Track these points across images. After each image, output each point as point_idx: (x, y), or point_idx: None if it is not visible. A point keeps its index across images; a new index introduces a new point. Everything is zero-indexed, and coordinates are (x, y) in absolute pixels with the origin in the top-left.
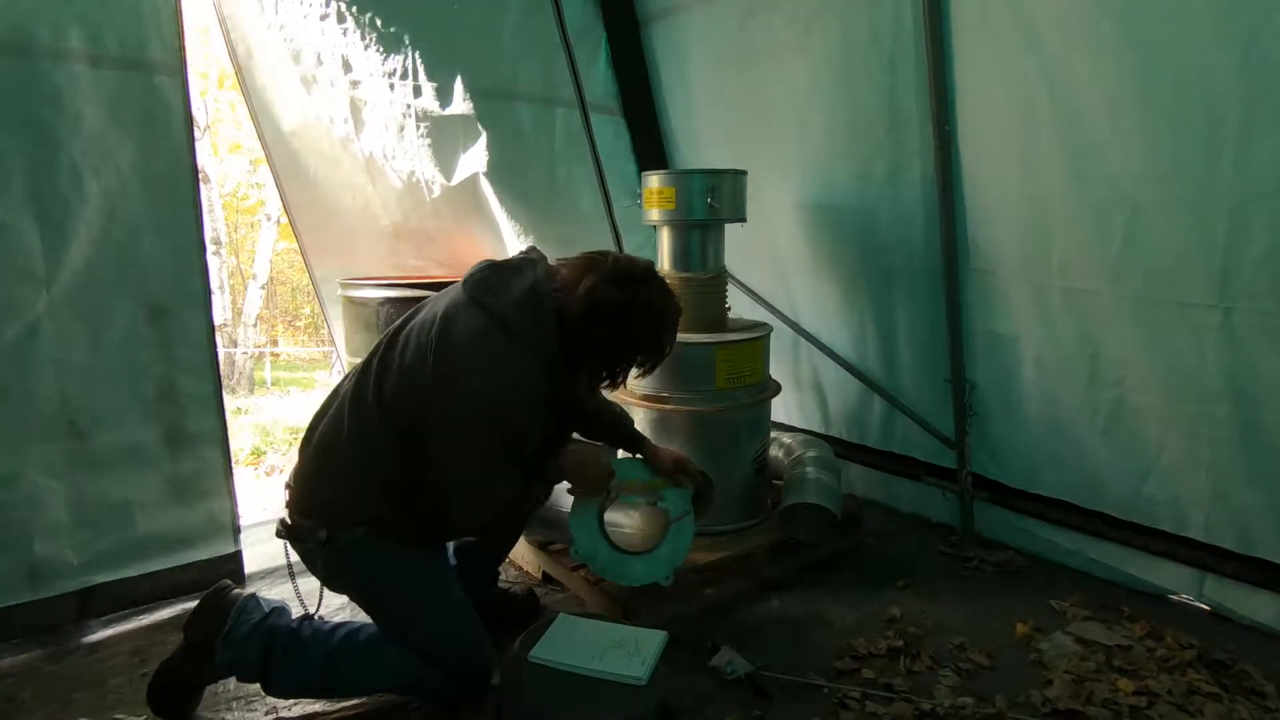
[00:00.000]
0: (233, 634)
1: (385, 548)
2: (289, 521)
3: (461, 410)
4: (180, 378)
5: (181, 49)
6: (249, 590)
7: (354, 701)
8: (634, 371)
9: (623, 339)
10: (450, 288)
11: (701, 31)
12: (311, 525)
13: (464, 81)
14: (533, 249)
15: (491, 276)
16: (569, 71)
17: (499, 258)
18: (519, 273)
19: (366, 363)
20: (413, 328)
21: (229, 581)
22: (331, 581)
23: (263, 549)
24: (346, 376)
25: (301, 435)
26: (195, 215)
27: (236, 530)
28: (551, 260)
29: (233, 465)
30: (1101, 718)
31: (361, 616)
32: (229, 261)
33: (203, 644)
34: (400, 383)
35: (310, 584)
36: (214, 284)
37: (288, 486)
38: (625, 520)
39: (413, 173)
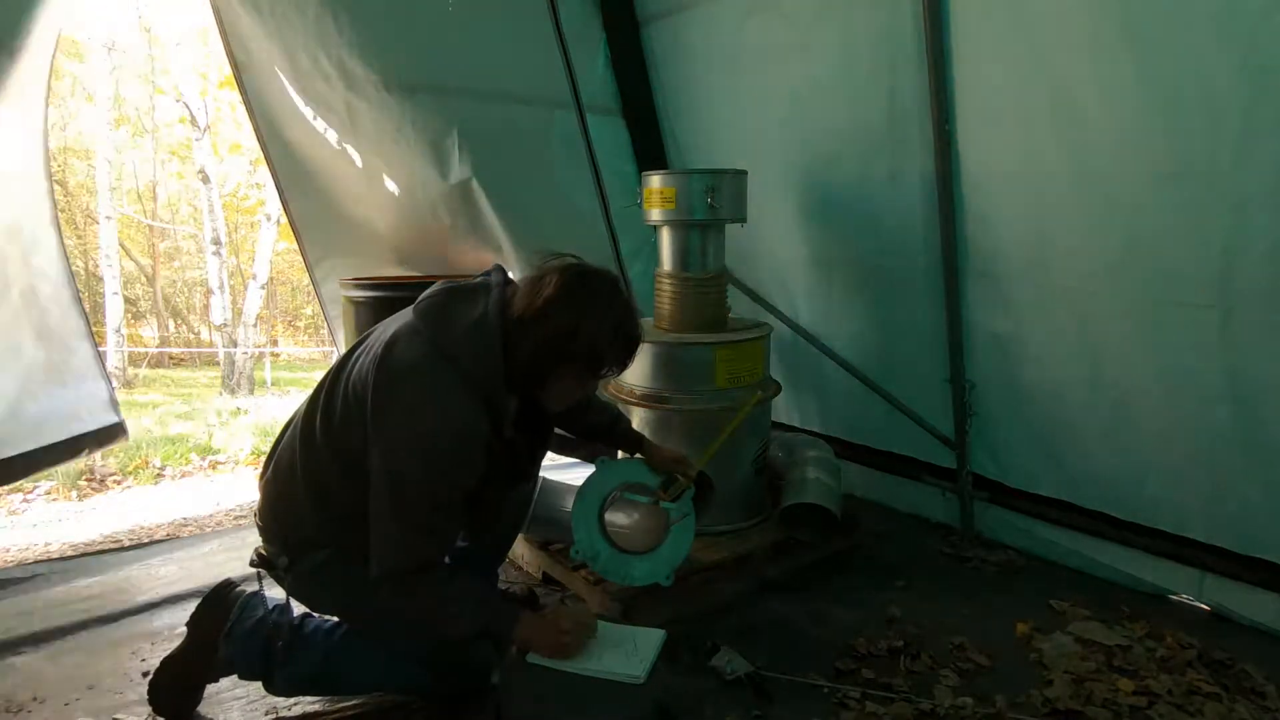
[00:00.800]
0: (235, 630)
1: (349, 565)
2: (262, 552)
3: (390, 451)
4: (39, 284)
5: None
6: (253, 588)
7: (354, 701)
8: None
9: (571, 352)
10: (405, 309)
11: (702, 31)
12: (275, 553)
13: (461, 83)
14: (497, 268)
15: (443, 302)
16: (565, 73)
17: (488, 265)
18: (471, 300)
19: (318, 388)
20: (362, 350)
21: (232, 579)
22: (309, 604)
23: None
24: (303, 402)
25: (262, 463)
26: (42, 144)
27: (115, 404)
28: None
29: (103, 354)
30: (1101, 718)
31: None
32: (229, 261)
33: (205, 640)
34: (345, 411)
35: None
36: (214, 284)
37: (255, 515)
38: (625, 520)
39: (411, 174)
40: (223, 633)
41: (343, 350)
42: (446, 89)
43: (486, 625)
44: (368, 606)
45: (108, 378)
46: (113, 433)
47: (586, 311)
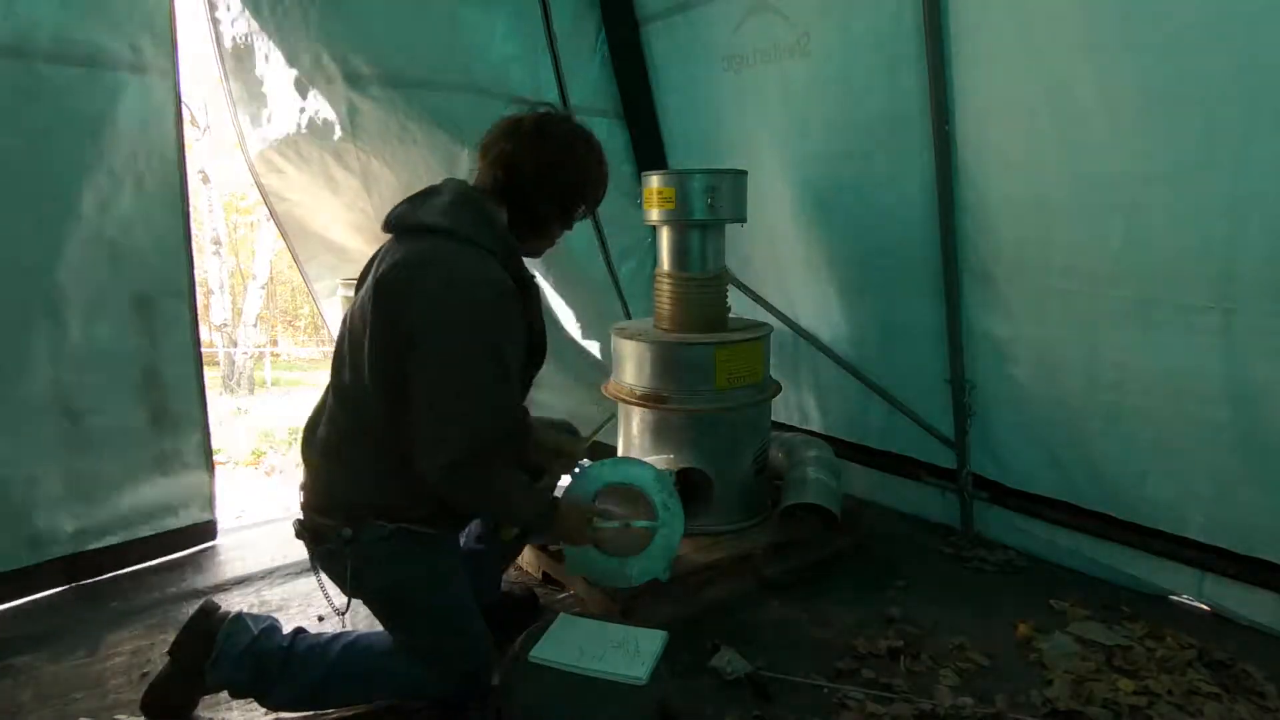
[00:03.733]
0: (222, 659)
1: (410, 544)
2: (308, 522)
3: (434, 329)
4: (164, 364)
5: (173, 50)
6: (238, 607)
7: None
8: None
9: (558, 185)
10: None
11: (701, 31)
12: (333, 524)
13: (467, 80)
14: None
15: (408, 206)
16: (553, 74)
17: None
18: (430, 193)
19: (335, 352)
20: (361, 296)
21: (214, 602)
22: (357, 579)
23: (264, 547)
24: (330, 375)
25: (301, 437)
26: (183, 212)
27: (213, 499)
28: None
29: (211, 446)
30: (1101, 718)
31: (360, 624)
32: (229, 261)
33: (189, 669)
34: (371, 344)
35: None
36: (214, 284)
37: (303, 488)
38: (615, 510)
39: (414, 174)
40: (208, 661)
41: None
42: (452, 87)
43: (537, 517)
44: (418, 585)
45: (212, 469)
46: (205, 531)
47: (569, 147)
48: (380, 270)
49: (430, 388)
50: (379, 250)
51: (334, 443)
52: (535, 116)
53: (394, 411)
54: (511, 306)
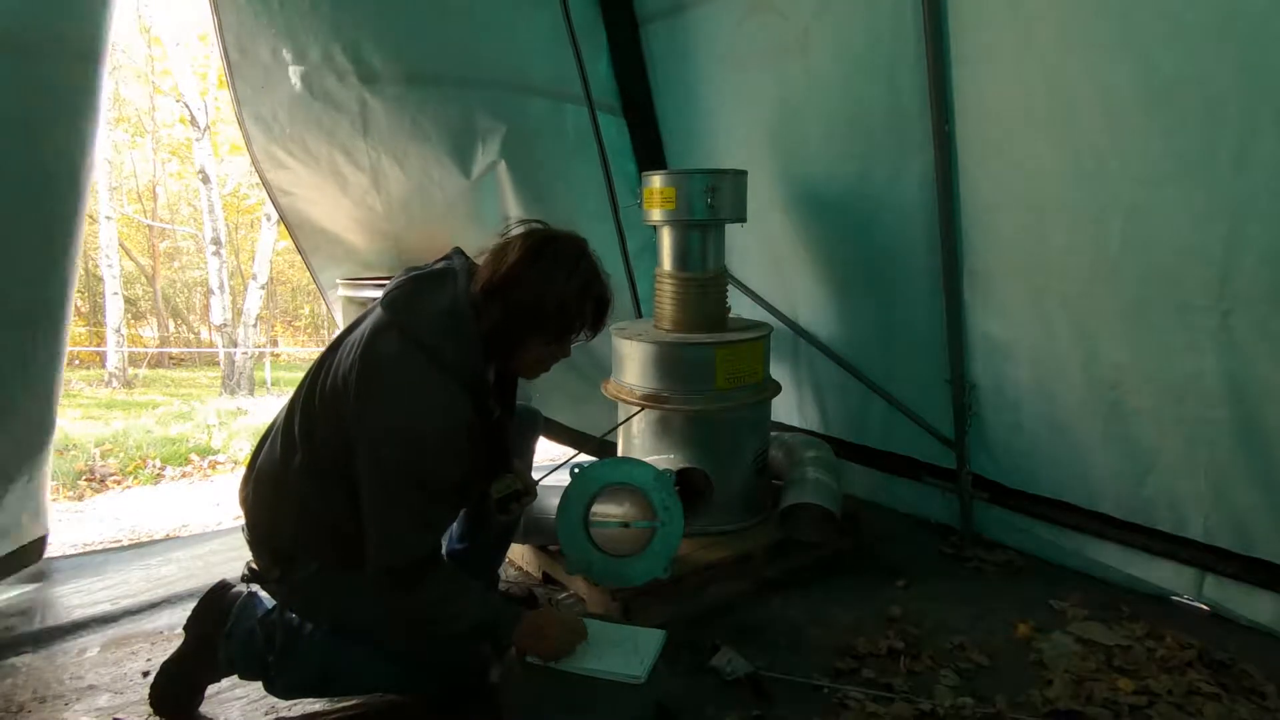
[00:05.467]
0: (235, 631)
1: (345, 575)
2: (253, 565)
3: (377, 447)
4: None
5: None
6: (250, 588)
7: (354, 701)
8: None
9: (539, 317)
10: (373, 304)
11: (701, 31)
12: (266, 566)
13: (483, 76)
14: (457, 250)
15: (409, 291)
16: (576, 68)
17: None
18: (438, 285)
19: (295, 397)
20: (338, 356)
21: (228, 580)
22: (304, 616)
23: None
24: (280, 411)
25: (242, 474)
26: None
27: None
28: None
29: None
30: (1101, 718)
31: None
32: (229, 261)
33: (204, 642)
34: (325, 415)
35: None
36: (214, 284)
37: (242, 527)
38: (610, 533)
39: (427, 172)
40: (221, 634)
41: None
42: (469, 81)
43: (487, 623)
44: (363, 614)
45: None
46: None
47: (552, 275)
48: (361, 353)
49: (366, 497)
50: (369, 314)
51: (268, 485)
52: (525, 244)
53: (336, 490)
54: (453, 434)
